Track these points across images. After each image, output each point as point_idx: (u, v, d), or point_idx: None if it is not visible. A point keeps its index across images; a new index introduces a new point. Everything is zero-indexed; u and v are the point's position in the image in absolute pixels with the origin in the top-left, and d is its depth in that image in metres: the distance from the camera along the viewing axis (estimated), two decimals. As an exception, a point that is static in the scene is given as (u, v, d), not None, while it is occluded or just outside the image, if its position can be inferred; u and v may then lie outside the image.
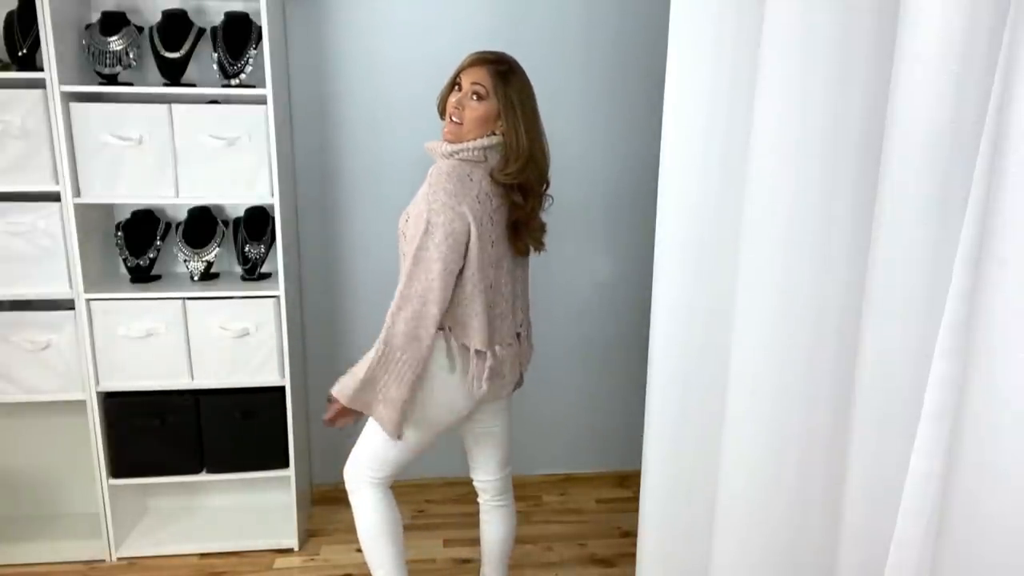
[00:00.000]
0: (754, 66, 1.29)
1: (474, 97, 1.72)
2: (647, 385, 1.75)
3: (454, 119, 1.73)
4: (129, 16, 2.28)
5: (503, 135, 1.75)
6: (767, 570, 1.39)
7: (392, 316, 1.66)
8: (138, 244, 2.38)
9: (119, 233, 2.37)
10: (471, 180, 1.70)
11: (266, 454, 2.45)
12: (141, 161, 2.20)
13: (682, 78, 1.62)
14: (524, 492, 2.86)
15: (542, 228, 1.88)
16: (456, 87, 1.76)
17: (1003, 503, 0.88)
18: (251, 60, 2.27)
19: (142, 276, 2.39)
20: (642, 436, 1.80)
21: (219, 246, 2.41)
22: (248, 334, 2.33)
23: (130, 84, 2.28)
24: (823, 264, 1.22)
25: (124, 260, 2.38)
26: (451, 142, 1.73)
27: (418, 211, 1.68)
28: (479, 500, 2.07)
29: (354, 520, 1.89)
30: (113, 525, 2.41)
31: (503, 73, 1.74)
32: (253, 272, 2.43)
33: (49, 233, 2.22)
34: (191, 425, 2.40)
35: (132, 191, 2.23)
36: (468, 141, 1.73)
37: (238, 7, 2.34)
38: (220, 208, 2.51)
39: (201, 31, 2.31)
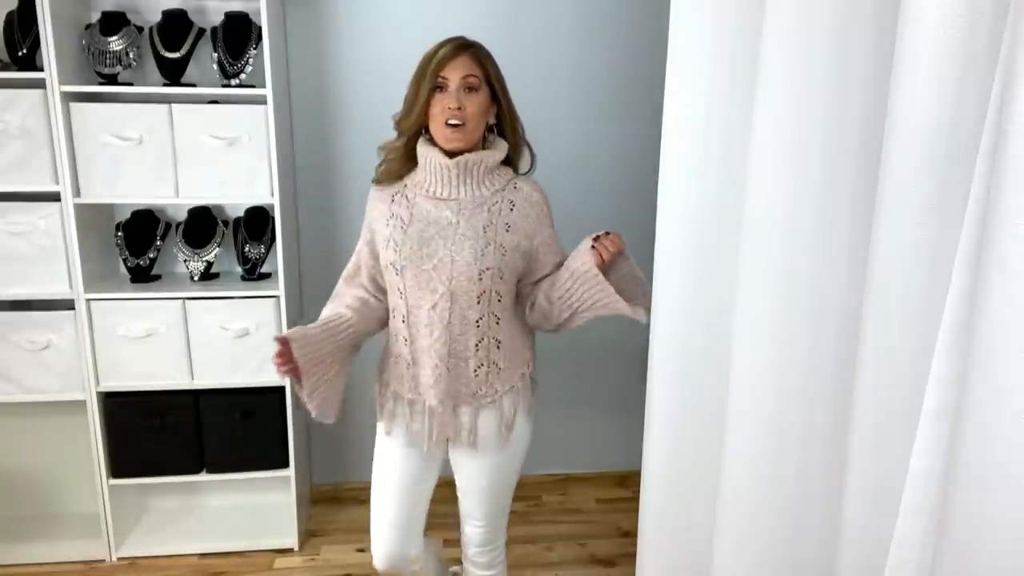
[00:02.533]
0: (754, 65, 1.29)
1: (471, 90, 1.55)
2: (647, 385, 1.75)
3: (453, 122, 1.53)
4: (129, 16, 2.28)
5: (496, 122, 1.64)
6: (767, 570, 1.39)
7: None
8: (138, 244, 2.38)
9: (119, 233, 2.37)
10: None
11: (266, 454, 2.45)
12: (141, 161, 2.20)
13: (682, 78, 1.62)
14: (524, 492, 2.87)
15: None
16: (437, 88, 1.55)
17: (1003, 503, 0.88)
18: (251, 60, 2.27)
19: (142, 276, 2.39)
20: (642, 436, 1.80)
21: (219, 246, 2.41)
22: (248, 334, 2.33)
23: (130, 84, 2.28)
24: (823, 264, 1.22)
25: (124, 260, 2.38)
26: (464, 149, 1.57)
27: (547, 243, 1.67)
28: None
29: None
30: (113, 525, 2.42)
31: (485, 55, 1.59)
32: (253, 272, 2.43)
33: (49, 233, 2.22)
34: (191, 425, 2.40)
35: (132, 191, 2.23)
36: (487, 149, 1.61)
37: (238, 7, 2.34)
38: (220, 208, 2.51)
39: (201, 31, 2.31)
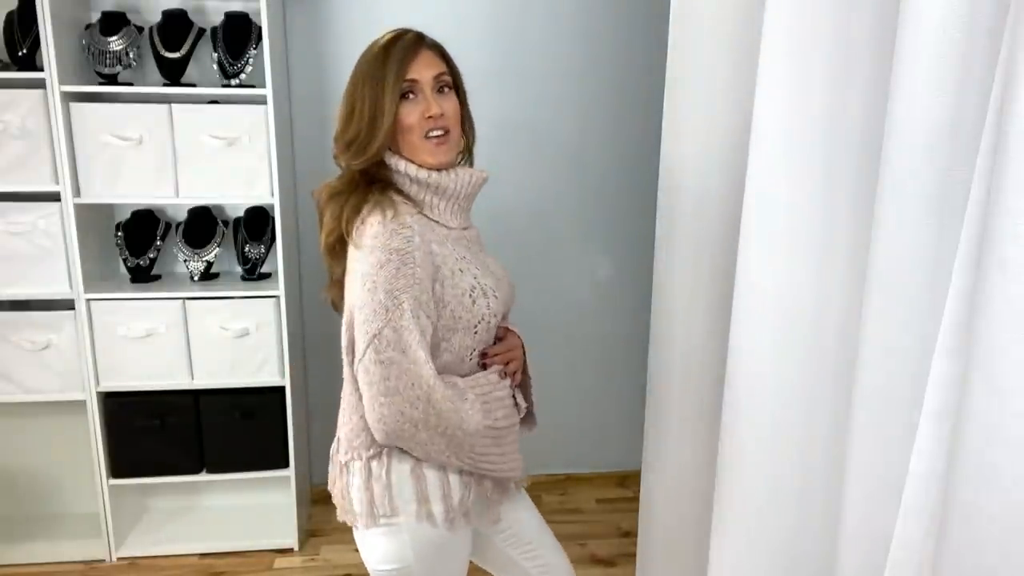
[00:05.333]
0: (754, 65, 1.29)
1: (443, 90, 1.27)
2: (647, 385, 1.75)
3: (435, 133, 1.23)
4: (129, 16, 2.28)
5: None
6: (767, 570, 1.39)
7: None
8: (138, 244, 2.38)
9: (119, 233, 2.37)
10: None
11: (266, 454, 2.45)
12: (141, 161, 2.20)
13: (682, 78, 1.62)
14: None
15: None
16: (405, 94, 1.24)
17: (1003, 503, 0.88)
18: (251, 60, 2.27)
19: (142, 276, 2.39)
20: (642, 436, 1.80)
21: (219, 246, 2.41)
22: (248, 334, 2.33)
23: (130, 84, 2.28)
24: (823, 264, 1.22)
25: (124, 260, 2.38)
26: (444, 166, 1.27)
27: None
28: None
29: None
30: (113, 525, 2.41)
31: (442, 49, 1.33)
32: (253, 272, 2.43)
33: (49, 233, 2.22)
34: (191, 425, 2.40)
35: (132, 191, 2.23)
36: (462, 159, 1.36)
37: (238, 7, 2.34)
38: (220, 208, 2.51)
39: (201, 31, 2.31)
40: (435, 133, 1.23)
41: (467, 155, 1.38)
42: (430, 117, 1.22)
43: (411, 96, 1.23)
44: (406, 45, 1.24)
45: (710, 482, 1.54)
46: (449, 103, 1.26)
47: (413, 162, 1.26)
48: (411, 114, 1.22)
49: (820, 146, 1.18)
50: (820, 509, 1.29)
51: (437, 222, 1.27)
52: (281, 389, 2.41)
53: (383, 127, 1.21)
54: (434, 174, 1.25)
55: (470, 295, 1.23)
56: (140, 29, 2.29)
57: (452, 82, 1.28)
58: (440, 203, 1.27)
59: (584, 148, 2.75)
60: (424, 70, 1.23)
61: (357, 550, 1.34)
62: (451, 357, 1.27)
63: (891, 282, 1.03)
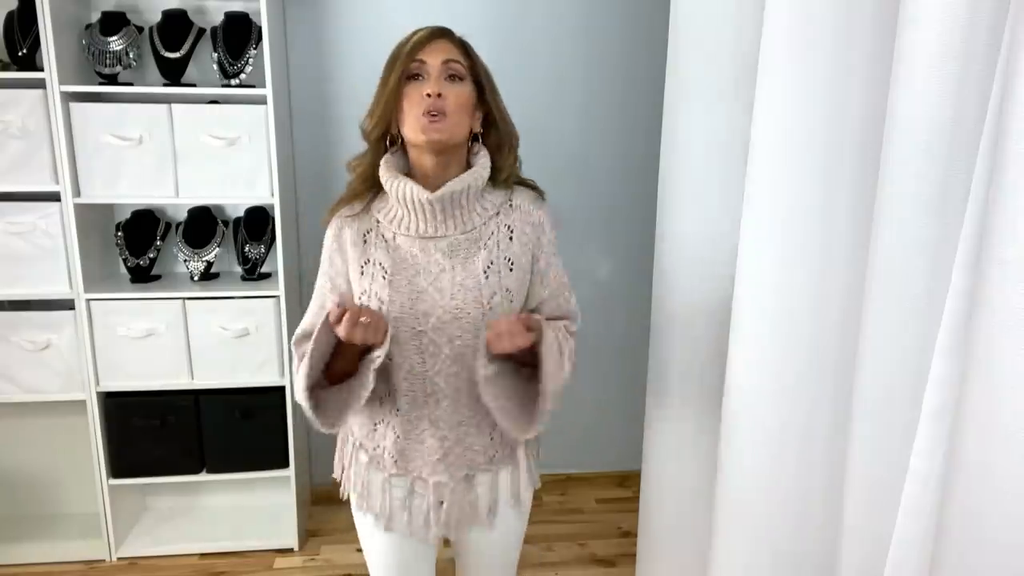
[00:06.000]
0: (755, 65, 1.29)
1: (454, 79, 1.26)
2: (647, 385, 1.75)
3: (432, 113, 1.21)
4: (129, 16, 2.28)
5: (485, 123, 1.33)
6: (767, 570, 1.39)
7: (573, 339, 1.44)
8: (138, 244, 2.38)
9: (119, 233, 2.37)
10: None
11: (266, 454, 2.45)
12: (141, 161, 2.20)
13: (682, 78, 1.63)
14: (524, 492, 2.87)
15: None
16: (413, 76, 1.25)
17: (1003, 503, 0.88)
18: (251, 60, 2.27)
19: (142, 276, 2.39)
20: (642, 436, 1.80)
21: (219, 246, 2.41)
22: (248, 334, 2.33)
23: (130, 84, 2.28)
24: (823, 264, 1.22)
25: (124, 260, 2.38)
26: (445, 145, 1.24)
27: (558, 270, 1.39)
28: None
29: None
30: (113, 525, 2.42)
31: (468, 46, 1.32)
32: (253, 272, 2.43)
33: (49, 233, 2.22)
34: (191, 425, 2.40)
35: (132, 191, 2.23)
36: (478, 151, 1.32)
37: (238, 7, 2.34)
38: (220, 208, 2.51)
39: (201, 31, 2.31)
40: (431, 113, 1.22)
41: (510, 155, 1.35)
42: (427, 95, 1.22)
43: (419, 77, 1.25)
44: (424, 32, 1.27)
45: (710, 482, 1.54)
46: (455, 90, 1.25)
47: (406, 168, 1.31)
48: (414, 93, 1.24)
49: (820, 146, 1.18)
50: (820, 509, 1.29)
51: (386, 222, 1.31)
52: (281, 389, 2.41)
53: (381, 105, 1.27)
54: (389, 182, 1.27)
55: (361, 297, 1.31)
56: (140, 29, 2.29)
57: (468, 73, 1.28)
58: (396, 209, 1.30)
59: (584, 148, 2.75)
60: (435, 54, 1.25)
61: (358, 550, 1.35)
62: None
63: (891, 282, 1.03)
